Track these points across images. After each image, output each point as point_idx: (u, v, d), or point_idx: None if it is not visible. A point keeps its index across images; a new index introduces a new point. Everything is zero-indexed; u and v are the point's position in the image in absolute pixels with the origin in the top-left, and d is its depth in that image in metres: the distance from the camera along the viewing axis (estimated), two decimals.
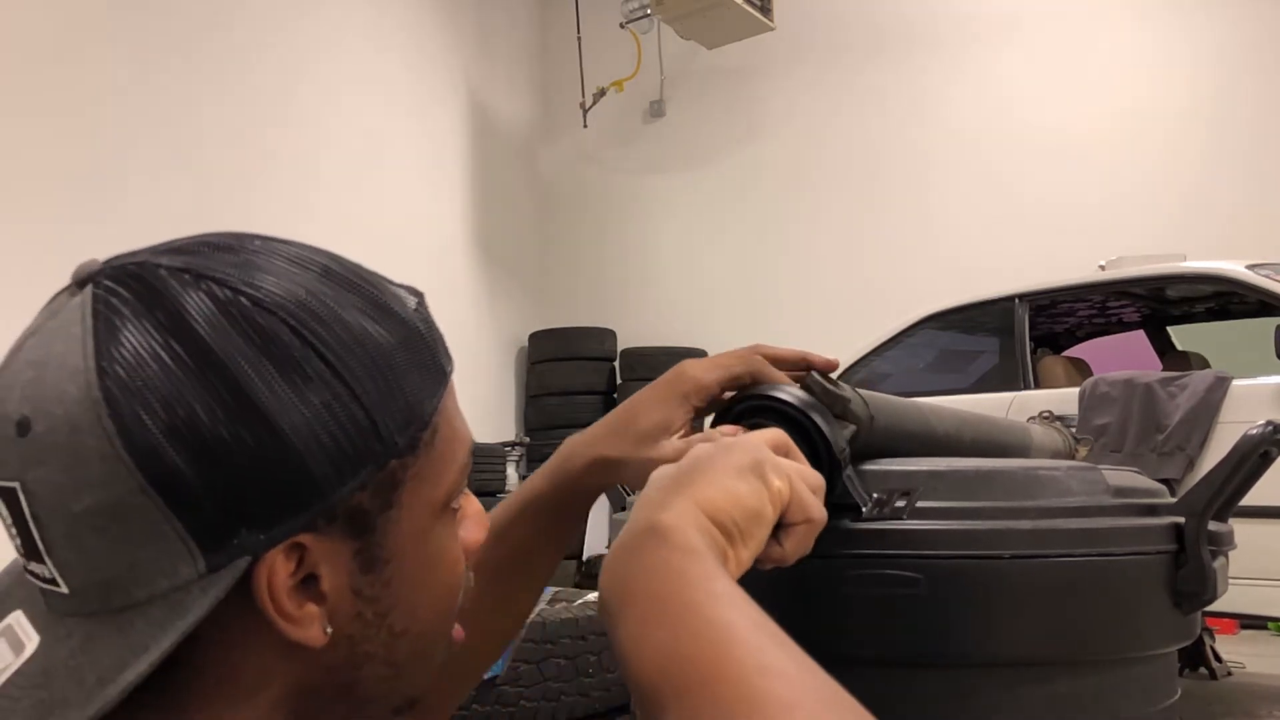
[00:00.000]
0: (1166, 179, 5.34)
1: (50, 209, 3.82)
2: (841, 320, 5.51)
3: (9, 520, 0.44)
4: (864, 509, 0.65)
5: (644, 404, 0.69)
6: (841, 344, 4.50)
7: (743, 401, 0.70)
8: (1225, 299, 4.10)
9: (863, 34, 6.21)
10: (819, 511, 0.57)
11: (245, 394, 0.43)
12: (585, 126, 6.75)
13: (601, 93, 6.66)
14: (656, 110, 6.82)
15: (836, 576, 0.64)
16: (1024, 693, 0.66)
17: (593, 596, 2.02)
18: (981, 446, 0.87)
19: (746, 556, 0.53)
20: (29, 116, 3.78)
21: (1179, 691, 0.77)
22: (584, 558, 4.26)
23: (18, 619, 0.46)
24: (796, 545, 0.56)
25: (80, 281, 0.45)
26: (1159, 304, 4.38)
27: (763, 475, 0.54)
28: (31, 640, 0.45)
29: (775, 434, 0.60)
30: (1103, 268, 4.14)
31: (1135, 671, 0.71)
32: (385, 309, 0.49)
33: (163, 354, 0.42)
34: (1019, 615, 0.66)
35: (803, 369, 0.73)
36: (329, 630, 0.47)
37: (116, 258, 0.46)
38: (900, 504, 0.65)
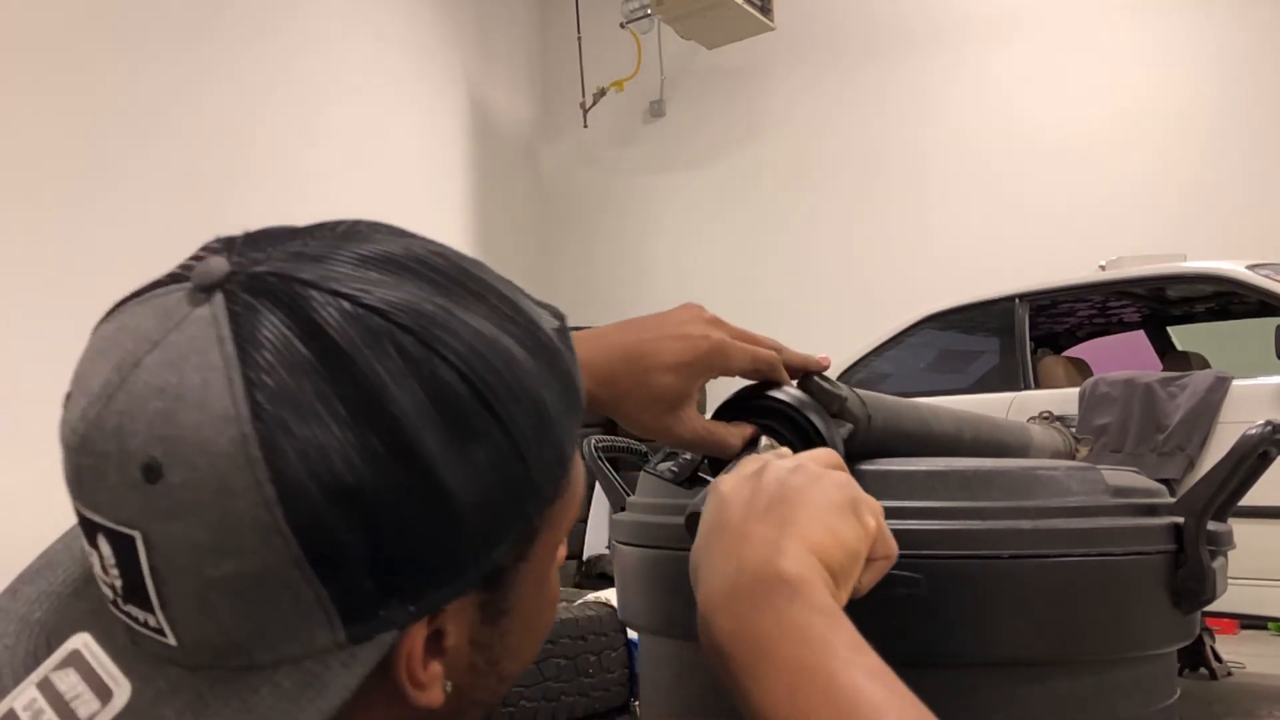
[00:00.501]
0: (1166, 179, 5.34)
1: (46, 201, 3.82)
2: (841, 320, 5.51)
3: (111, 563, 0.38)
4: None
5: (663, 360, 0.66)
6: (841, 344, 4.51)
7: (743, 399, 0.71)
8: (1225, 299, 4.10)
9: (863, 34, 6.21)
10: (895, 547, 0.57)
11: (416, 455, 0.38)
12: (585, 126, 6.75)
13: (601, 93, 6.66)
14: (656, 110, 6.82)
15: None
16: (1023, 692, 0.66)
17: (593, 596, 2.02)
18: (981, 446, 0.87)
19: (844, 597, 0.53)
20: (25, 112, 3.78)
21: (1178, 691, 0.77)
22: (584, 557, 4.26)
23: (90, 648, 0.41)
24: (872, 579, 0.56)
25: (205, 287, 0.38)
26: (1159, 304, 4.39)
27: (859, 513, 0.54)
28: (121, 687, 0.39)
29: (830, 454, 0.59)
30: (1103, 268, 4.15)
31: (1134, 671, 0.71)
32: (542, 344, 0.43)
33: (327, 408, 0.37)
34: (1019, 615, 0.66)
35: (802, 374, 0.73)
36: (448, 689, 0.43)
37: (241, 256, 0.39)
38: None
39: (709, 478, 0.72)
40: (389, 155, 5.63)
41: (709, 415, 0.71)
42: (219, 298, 0.38)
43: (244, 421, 0.36)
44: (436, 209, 6.06)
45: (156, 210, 4.20)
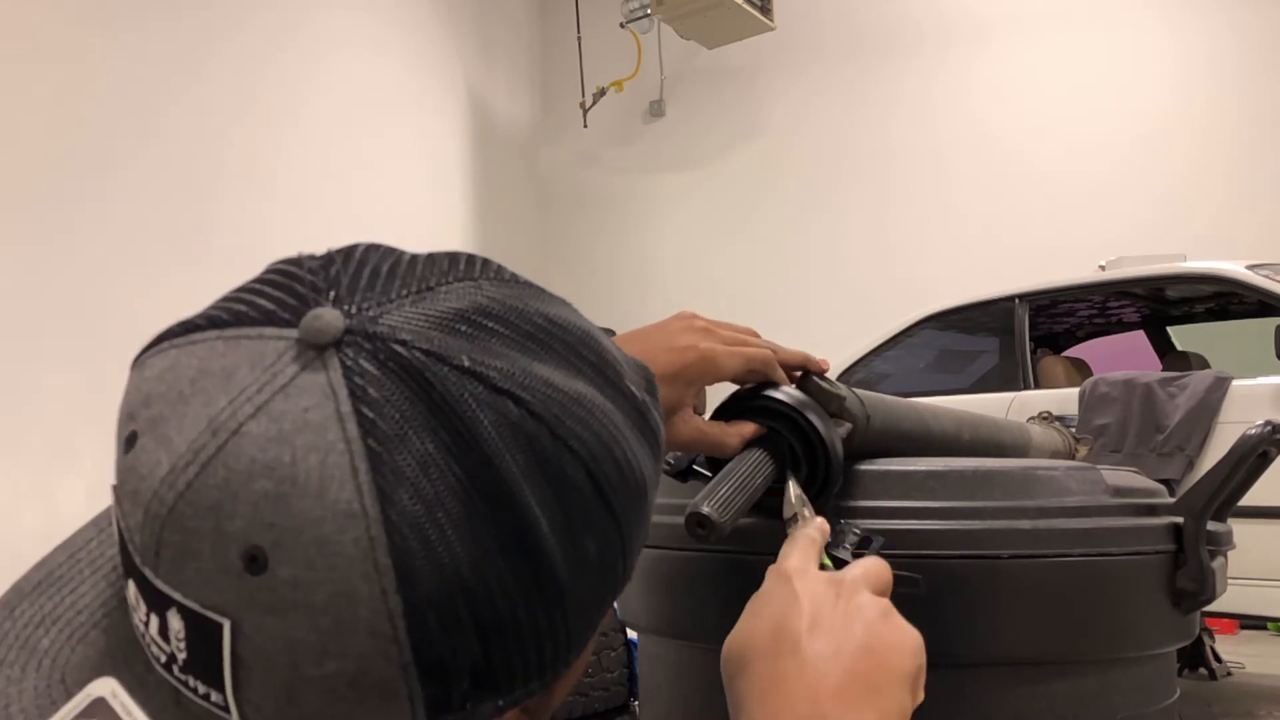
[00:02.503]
0: (1167, 179, 5.34)
1: (44, 200, 3.82)
2: (840, 319, 5.51)
3: (180, 637, 0.34)
4: (829, 547, 0.65)
5: (656, 372, 0.65)
6: (841, 344, 4.51)
7: (741, 400, 0.71)
8: (1225, 299, 4.10)
9: (863, 34, 6.21)
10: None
11: (543, 561, 0.35)
12: (585, 126, 6.75)
13: (601, 93, 6.66)
14: (656, 110, 6.82)
15: None
16: (1023, 692, 0.66)
17: None
18: (980, 446, 0.87)
19: None
20: (19, 112, 3.78)
21: (1177, 691, 0.77)
22: None
23: (120, 699, 0.37)
24: None
25: (316, 345, 0.34)
26: (1159, 304, 4.38)
27: (917, 688, 0.53)
28: None
29: (885, 572, 0.56)
30: (1103, 268, 4.14)
31: (1134, 671, 0.71)
32: (647, 423, 0.40)
33: (462, 510, 0.34)
34: (1018, 615, 0.66)
35: (799, 371, 0.73)
36: None
37: (354, 308, 0.35)
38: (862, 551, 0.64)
39: (705, 472, 0.72)
40: (389, 155, 5.63)
41: (708, 415, 0.72)
42: (334, 361, 0.34)
43: (373, 522, 0.32)
44: (436, 208, 6.06)
45: (156, 211, 4.21)
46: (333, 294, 0.36)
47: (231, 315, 0.36)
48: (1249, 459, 0.69)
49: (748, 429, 0.69)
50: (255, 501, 0.32)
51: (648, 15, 6.01)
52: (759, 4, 5.62)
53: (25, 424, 3.61)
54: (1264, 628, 3.98)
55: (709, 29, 5.75)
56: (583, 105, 6.67)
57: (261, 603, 0.33)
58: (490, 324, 0.36)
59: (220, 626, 0.33)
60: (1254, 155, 5.22)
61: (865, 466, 0.70)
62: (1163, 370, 4.02)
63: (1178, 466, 3.30)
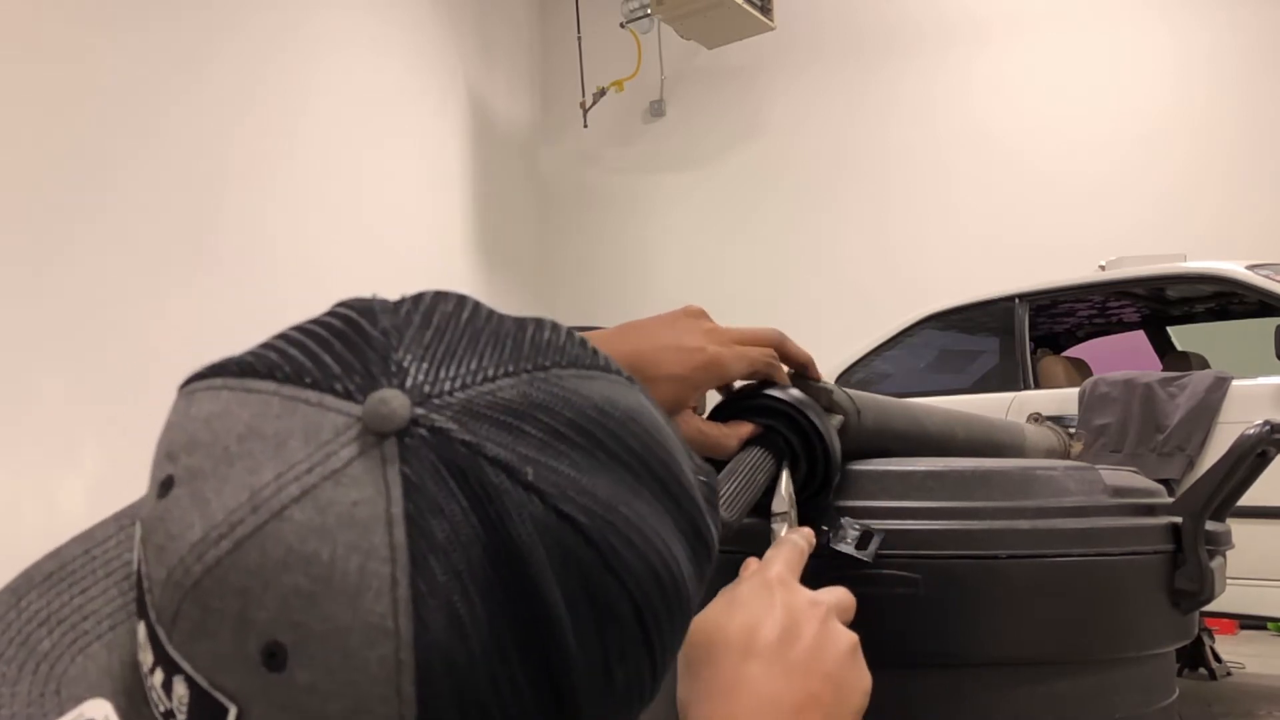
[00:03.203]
0: (1167, 179, 5.34)
1: (42, 201, 3.82)
2: (840, 319, 5.51)
3: (184, 704, 0.33)
4: (831, 543, 0.65)
5: (662, 371, 0.66)
6: (841, 344, 4.51)
7: (741, 400, 0.71)
8: (1225, 299, 4.10)
9: (863, 34, 6.21)
10: None
11: (570, 695, 0.34)
12: (585, 126, 6.74)
13: (601, 93, 6.65)
14: (657, 110, 6.82)
15: (834, 576, 0.64)
16: (1021, 692, 0.66)
17: None
18: (974, 445, 0.87)
19: None
20: (20, 112, 3.78)
21: (1176, 691, 0.77)
22: None
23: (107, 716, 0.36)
24: None
25: (379, 431, 0.32)
26: (1159, 304, 4.38)
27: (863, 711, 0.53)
28: None
29: (853, 603, 0.57)
30: (1103, 268, 4.14)
31: (1133, 671, 0.71)
32: (704, 543, 0.38)
33: (497, 641, 0.32)
34: (1016, 615, 0.66)
35: (793, 370, 0.74)
36: None
37: (422, 394, 0.33)
38: (866, 548, 0.65)
39: None
40: (389, 155, 5.63)
41: (706, 414, 0.72)
42: (393, 453, 0.31)
43: (404, 644, 0.30)
44: (437, 208, 6.06)
45: (157, 211, 4.21)
46: (402, 370, 0.33)
47: (293, 369, 0.33)
48: (1248, 459, 0.69)
49: (745, 429, 0.69)
50: (285, 595, 0.30)
51: (648, 15, 6.01)
52: (759, 4, 5.62)
53: (26, 424, 3.62)
54: (1264, 628, 3.98)
55: (709, 29, 5.75)
56: (583, 105, 6.67)
57: (274, 700, 0.31)
58: (561, 428, 0.34)
59: (226, 711, 0.32)
60: (1254, 155, 5.22)
61: (864, 467, 0.70)
62: (1163, 370, 4.02)
63: (1178, 466, 3.30)
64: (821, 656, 0.51)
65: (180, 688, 0.33)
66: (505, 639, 0.32)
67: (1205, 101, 5.35)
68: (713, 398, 0.74)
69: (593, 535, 0.33)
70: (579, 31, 6.66)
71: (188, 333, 4.08)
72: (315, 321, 0.36)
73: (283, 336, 0.36)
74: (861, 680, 0.53)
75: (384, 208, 5.49)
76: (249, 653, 0.31)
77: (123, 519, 0.42)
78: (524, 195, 6.94)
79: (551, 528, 0.32)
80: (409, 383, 0.33)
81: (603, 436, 0.35)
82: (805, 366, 0.74)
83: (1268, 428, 0.69)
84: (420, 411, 0.32)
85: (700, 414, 0.71)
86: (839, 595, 0.56)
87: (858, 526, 0.62)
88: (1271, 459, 0.71)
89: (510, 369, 0.34)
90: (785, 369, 0.73)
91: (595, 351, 0.38)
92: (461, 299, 0.38)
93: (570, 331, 0.38)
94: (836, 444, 0.67)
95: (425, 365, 0.34)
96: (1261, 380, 3.41)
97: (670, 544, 0.36)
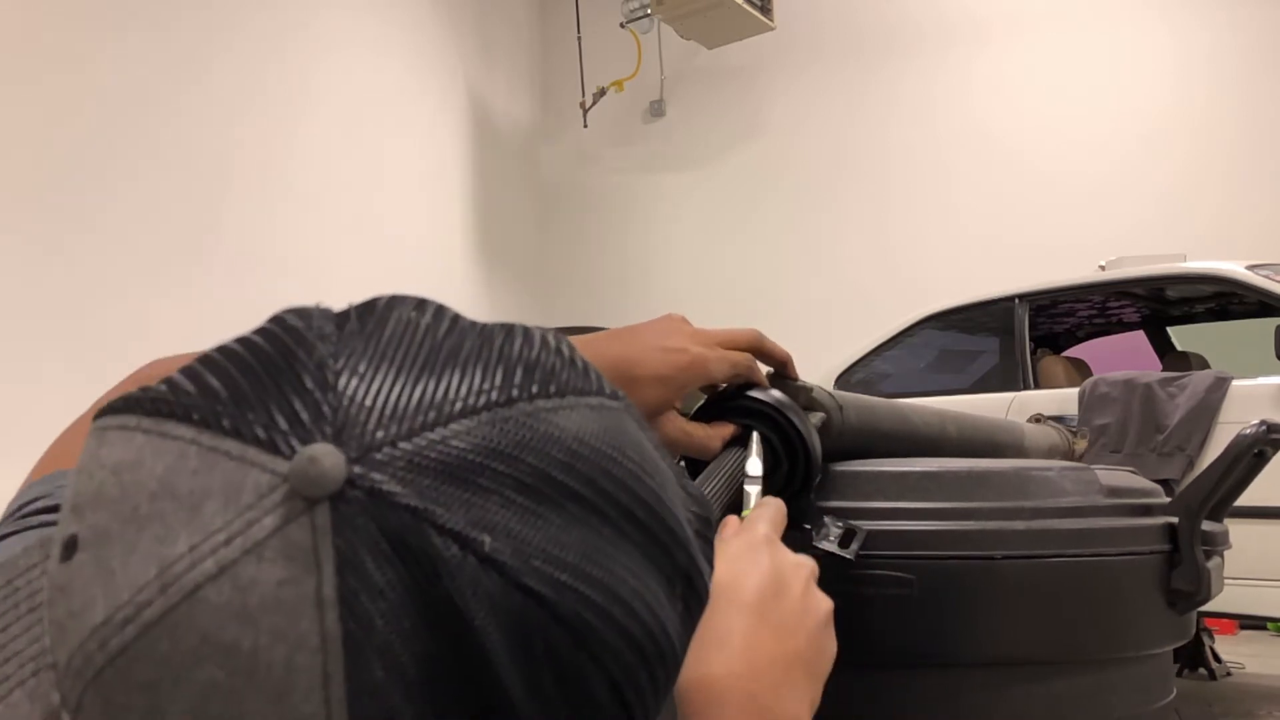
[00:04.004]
0: (1167, 179, 5.34)
1: (37, 200, 3.82)
2: (840, 319, 5.51)
3: None
4: (814, 540, 0.66)
5: (649, 371, 0.68)
6: (841, 344, 4.51)
7: (723, 401, 0.72)
8: (1225, 299, 4.10)
9: (863, 34, 6.21)
10: None
11: None
12: (585, 126, 6.75)
13: (601, 93, 6.65)
14: (657, 110, 6.82)
15: (830, 577, 0.65)
16: (1018, 693, 0.66)
17: None
18: (968, 441, 0.87)
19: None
20: (23, 115, 3.78)
21: (1174, 691, 0.77)
22: None
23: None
24: None
25: (309, 498, 0.27)
26: (1159, 304, 4.38)
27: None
28: None
29: (813, 567, 0.59)
30: (1103, 268, 4.14)
31: (1130, 671, 0.71)
32: (694, 589, 0.34)
33: None
34: (1012, 615, 0.66)
35: (773, 369, 0.75)
36: None
37: (359, 448, 0.28)
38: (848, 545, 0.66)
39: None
40: (389, 155, 5.63)
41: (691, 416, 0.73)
42: (324, 521, 0.27)
43: None
44: (436, 208, 6.06)
45: (156, 210, 4.21)
46: (338, 415, 0.28)
47: (210, 411, 0.29)
48: (1244, 459, 0.69)
49: (727, 430, 0.71)
50: (200, 691, 0.26)
51: (648, 15, 6.01)
52: (759, 4, 5.62)
53: (26, 424, 3.62)
54: (1264, 628, 3.98)
55: (709, 29, 5.75)
56: (583, 105, 6.67)
57: None
58: (527, 479, 0.29)
59: None
60: (1254, 155, 5.22)
61: (860, 468, 0.70)
62: (1163, 370, 4.02)
63: (1178, 466, 3.30)
64: (805, 618, 0.53)
65: None
66: None
67: (1205, 101, 5.34)
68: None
69: (562, 611, 0.29)
70: (579, 31, 6.66)
71: (188, 333, 4.07)
72: (244, 340, 0.31)
73: (208, 360, 0.31)
74: (832, 646, 0.55)
75: (384, 207, 5.49)
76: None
77: (48, 545, 0.36)
78: (524, 195, 6.95)
79: (513, 608, 0.28)
80: (345, 433, 0.28)
81: (577, 485, 0.30)
82: (784, 365, 0.76)
83: (1264, 428, 0.69)
84: (358, 470, 0.27)
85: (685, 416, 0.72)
86: (813, 561, 0.58)
87: (840, 524, 0.62)
88: (1268, 459, 0.71)
89: (469, 403, 0.29)
90: (765, 369, 0.74)
91: (573, 363, 0.33)
92: (421, 304, 0.33)
93: (546, 339, 0.33)
94: (817, 443, 0.68)
95: (366, 407, 0.28)
96: (1261, 380, 3.40)
97: (656, 604, 0.32)
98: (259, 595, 0.26)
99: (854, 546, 0.64)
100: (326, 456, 0.27)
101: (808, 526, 0.65)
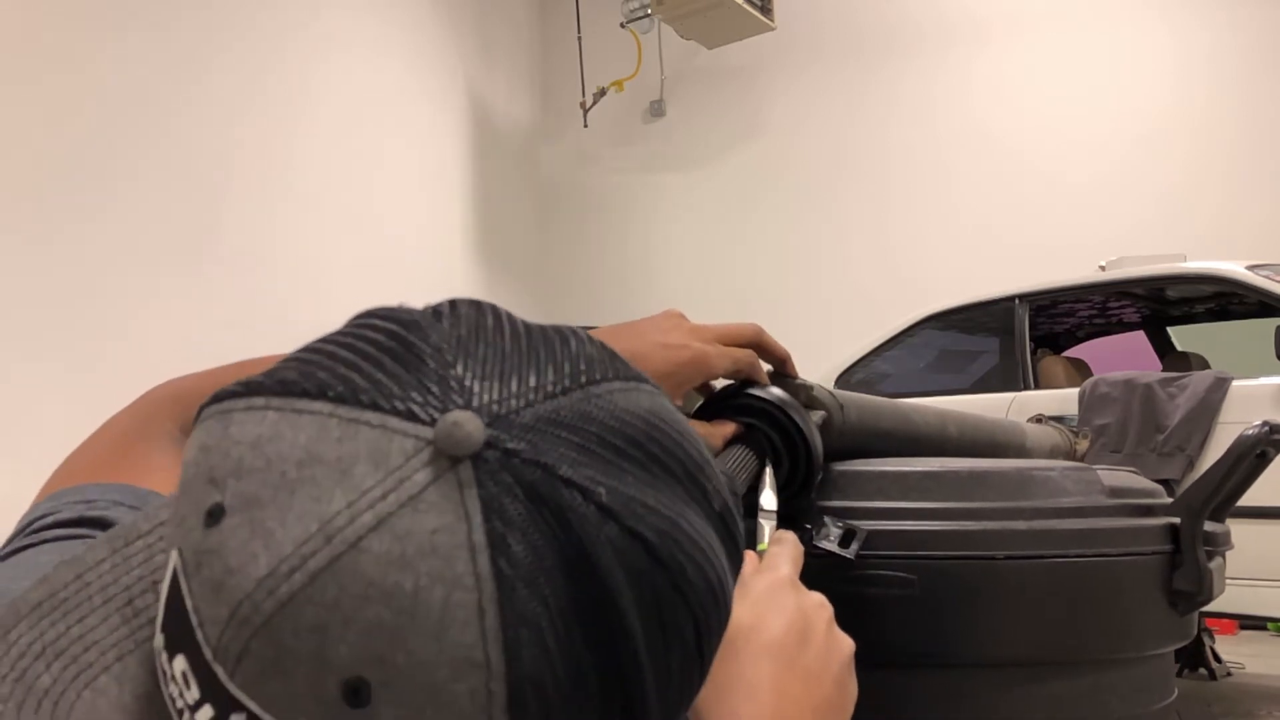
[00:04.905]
0: (1167, 179, 5.34)
1: (39, 200, 3.82)
2: (840, 320, 5.51)
3: None
4: (814, 540, 0.66)
5: (651, 367, 0.66)
6: (841, 344, 4.50)
7: (724, 399, 0.72)
8: (1225, 299, 4.10)
9: (864, 34, 6.21)
10: None
11: (640, 708, 0.33)
12: (585, 126, 6.74)
13: (601, 93, 6.65)
14: (657, 110, 6.82)
15: (831, 576, 0.64)
16: (1019, 693, 0.66)
17: None
18: (970, 442, 0.87)
19: None
20: (24, 116, 3.78)
21: (1175, 691, 0.77)
22: None
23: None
24: None
25: (454, 455, 0.30)
26: (1159, 304, 4.38)
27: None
28: None
29: (831, 609, 0.58)
30: (1103, 268, 4.14)
31: (1131, 672, 0.71)
32: (735, 543, 0.38)
33: (581, 668, 0.31)
34: (1014, 616, 0.66)
35: (774, 368, 0.74)
36: None
37: (492, 416, 0.31)
38: (849, 545, 0.65)
39: None
40: (389, 155, 5.63)
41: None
42: (469, 477, 0.30)
43: (494, 675, 0.29)
44: (437, 208, 6.06)
45: (156, 210, 4.20)
46: (465, 389, 0.32)
47: (347, 388, 0.32)
48: (1246, 459, 0.69)
49: (729, 428, 0.71)
50: (367, 630, 0.29)
51: (648, 15, 6.01)
52: (759, 4, 5.62)
53: (26, 425, 3.61)
54: (1264, 628, 3.98)
55: (709, 29, 5.75)
56: (583, 105, 6.67)
57: None
58: (622, 444, 0.33)
59: None
60: (1254, 155, 5.22)
61: (862, 467, 0.70)
62: (1163, 370, 4.02)
63: (1178, 467, 3.30)
64: (830, 662, 0.53)
65: None
66: (587, 664, 0.31)
67: (1205, 102, 5.34)
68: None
69: (662, 555, 0.32)
70: (579, 31, 6.66)
71: (188, 333, 4.08)
72: (350, 335, 0.34)
73: (318, 351, 0.34)
74: (854, 687, 0.55)
75: (384, 207, 5.49)
76: (327, 690, 0.29)
77: (115, 541, 0.40)
78: (524, 195, 6.94)
79: (626, 550, 0.31)
80: (475, 402, 0.32)
81: (656, 451, 0.34)
82: (783, 362, 0.75)
83: (1266, 428, 0.69)
84: (492, 433, 0.31)
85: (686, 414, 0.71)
86: (829, 604, 0.57)
87: (840, 524, 0.62)
88: (1270, 459, 0.71)
89: (566, 385, 0.33)
90: (765, 366, 0.74)
91: (622, 359, 0.37)
92: (491, 308, 0.37)
93: (592, 338, 0.37)
94: (818, 441, 0.68)
95: (486, 383, 0.32)
96: (1261, 380, 3.40)
97: (720, 556, 0.35)
98: (416, 543, 0.29)
99: (854, 546, 0.63)
100: (469, 421, 0.30)
101: (808, 526, 0.65)
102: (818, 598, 0.55)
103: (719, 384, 0.74)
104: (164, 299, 4.15)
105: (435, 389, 0.32)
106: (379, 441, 0.31)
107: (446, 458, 0.30)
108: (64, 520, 0.48)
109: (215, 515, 0.31)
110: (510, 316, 0.36)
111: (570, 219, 7.04)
